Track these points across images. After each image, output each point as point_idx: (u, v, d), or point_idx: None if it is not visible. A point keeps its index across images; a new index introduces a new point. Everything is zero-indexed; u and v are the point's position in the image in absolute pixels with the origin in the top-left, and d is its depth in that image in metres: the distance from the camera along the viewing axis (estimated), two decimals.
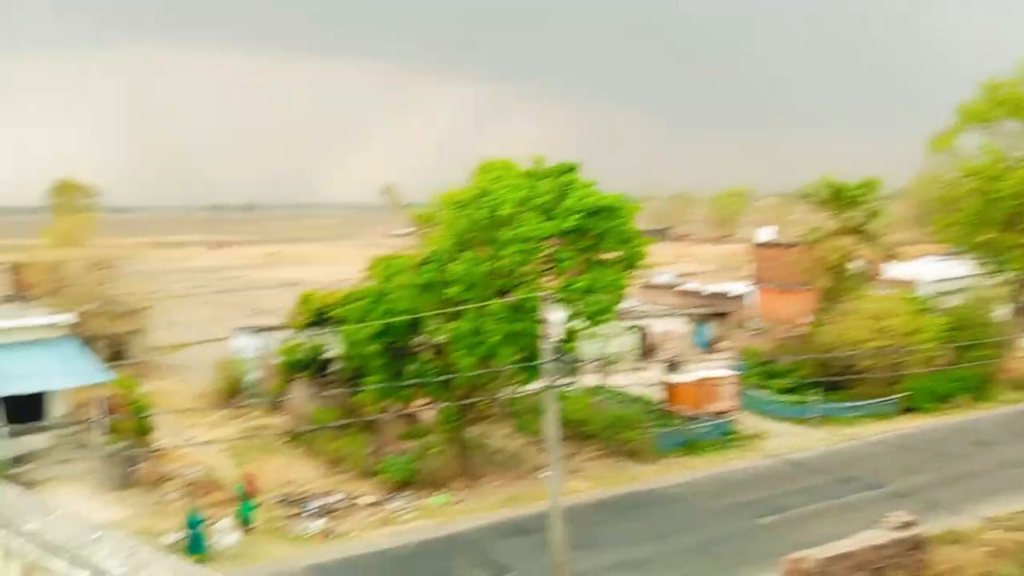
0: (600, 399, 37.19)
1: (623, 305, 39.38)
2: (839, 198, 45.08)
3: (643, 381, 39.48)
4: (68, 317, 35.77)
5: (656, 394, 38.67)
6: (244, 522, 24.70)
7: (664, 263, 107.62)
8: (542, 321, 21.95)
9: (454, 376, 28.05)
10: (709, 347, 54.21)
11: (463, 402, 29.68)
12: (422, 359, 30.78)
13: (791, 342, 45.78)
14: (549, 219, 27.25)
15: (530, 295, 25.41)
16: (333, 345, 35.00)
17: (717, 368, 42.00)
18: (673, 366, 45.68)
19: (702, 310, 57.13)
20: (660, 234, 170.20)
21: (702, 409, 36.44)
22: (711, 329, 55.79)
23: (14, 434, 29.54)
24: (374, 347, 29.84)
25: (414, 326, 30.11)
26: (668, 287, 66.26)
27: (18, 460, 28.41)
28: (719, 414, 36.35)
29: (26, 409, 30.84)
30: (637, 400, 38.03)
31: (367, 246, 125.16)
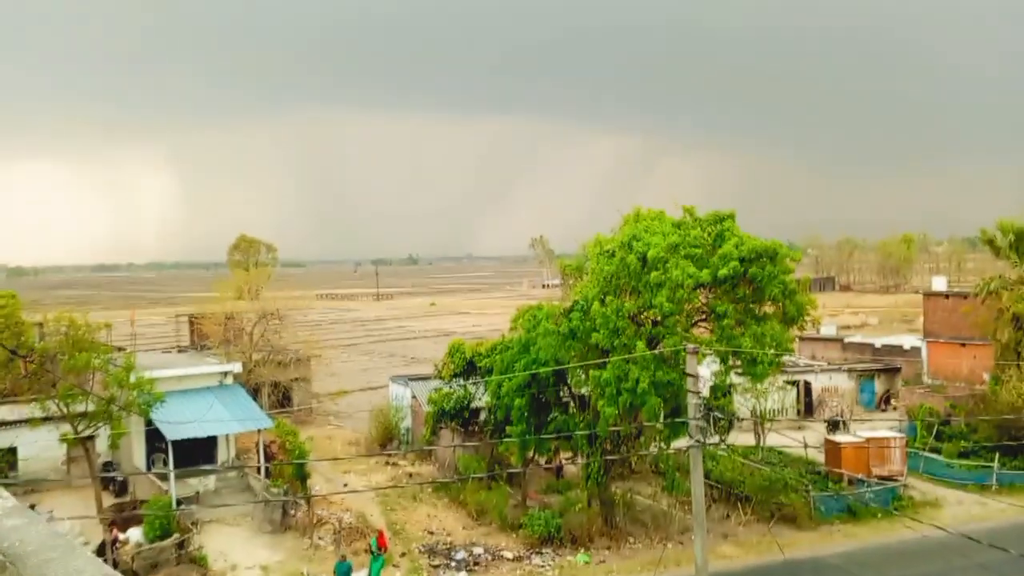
0: (755, 459, 35.34)
1: (790, 354, 37.56)
2: (1022, 243, 41.26)
3: (803, 440, 37.27)
4: (237, 366, 38.21)
5: (817, 455, 36.37)
6: None
7: (828, 314, 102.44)
8: (691, 374, 21.10)
9: (598, 430, 27.50)
10: (876, 405, 50.65)
11: (608, 457, 29.03)
12: (566, 412, 30.47)
13: (967, 401, 41.99)
14: (704, 268, 26.34)
15: (678, 346, 24.56)
16: (481, 395, 35.32)
17: (885, 428, 39.06)
18: (836, 425, 42.90)
19: (869, 365, 53.63)
20: (823, 284, 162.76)
21: (868, 472, 33.88)
22: (878, 385, 52.17)
23: (183, 477, 31.55)
24: (519, 398, 29.85)
25: (559, 377, 29.90)
26: (832, 340, 62.88)
27: (186, 501, 30.22)
28: (886, 478, 33.67)
29: (197, 452, 32.96)
30: (796, 461, 35.90)
31: (518, 296, 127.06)
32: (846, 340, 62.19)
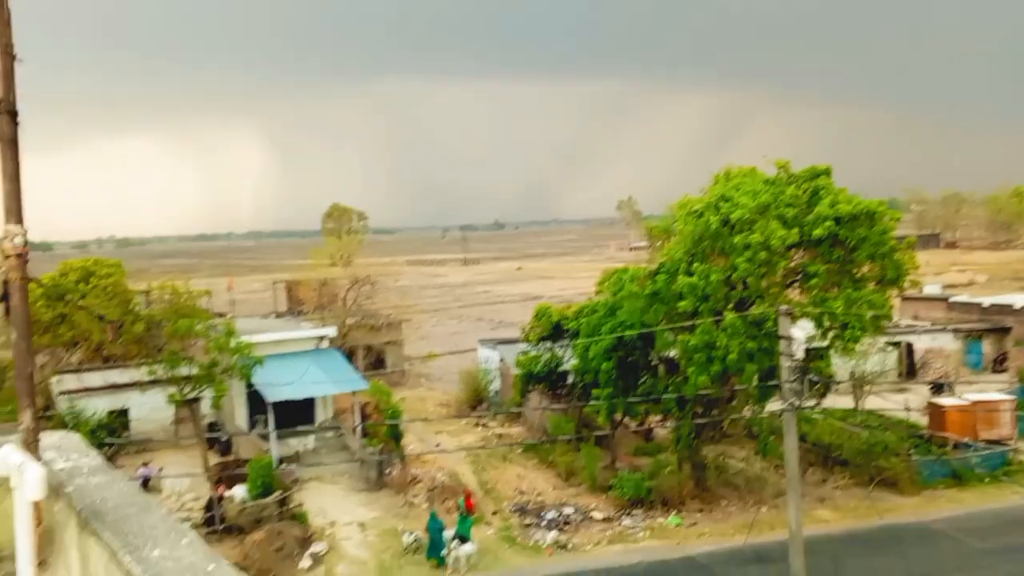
0: (854, 422, 34.27)
1: (889, 321, 35.99)
2: None
3: (905, 403, 35.90)
4: (332, 330, 39.27)
5: (920, 418, 35.00)
6: (462, 539, 25.09)
7: (932, 272, 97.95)
8: (783, 337, 20.45)
9: (686, 392, 27.11)
10: (983, 367, 48.25)
11: (699, 421, 28.63)
12: (655, 374, 30.13)
13: None
14: (794, 227, 25.35)
15: (769, 309, 23.87)
16: (569, 358, 35.29)
17: (993, 390, 37.20)
18: (940, 387, 41.15)
19: (976, 325, 51.02)
20: (927, 241, 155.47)
21: (974, 436, 32.41)
22: (986, 346, 49.63)
23: (284, 437, 32.73)
24: (606, 361, 29.67)
25: (646, 340, 29.54)
26: (936, 299, 60.10)
27: (286, 461, 31.37)
28: (994, 442, 32.13)
29: (296, 413, 34.11)
30: (897, 424, 34.65)
31: (605, 259, 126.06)
32: (951, 299, 59.19)
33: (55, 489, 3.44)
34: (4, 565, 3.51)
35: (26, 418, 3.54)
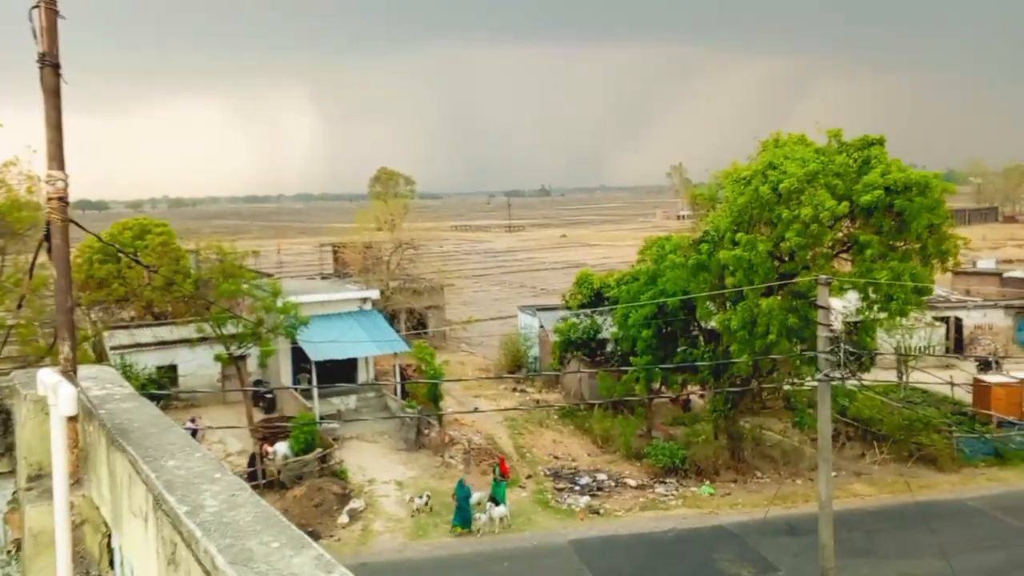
0: (897, 398, 33.86)
1: (930, 296, 35.21)
2: None
3: (950, 379, 35.33)
4: (375, 292, 39.91)
5: (965, 395, 34.45)
6: (496, 503, 25.46)
7: (988, 247, 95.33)
8: (821, 307, 20.26)
9: (726, 364, 27.05)
10: None
11: (736, 390, 28.57)
12: (695, 345, 30.07)
13: None
14: (844, 199, 24.83)
15: (810, 278, 23.57)
16: (608, 325, 35.39)
17: None
18: (987, 364, 40.34)
19: None
20: (985, 214, 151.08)
21: (1020, 415, 31.83)
22: None
23: (327, 395, 33.51)
24: (645, 329, 29.71)
25: (687, 310, 29.46)
26: (990, 274, 58.69)
27: (328, 419, 32.16)
28: None
29: (338, 373, 34.88)
30: (941, 401, 34.17)
31: (651, 227, 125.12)
32: (1005, 275, 57.77)
33: (88, 412, 3.77)
34: (45, 482, 3.84)
35: (65, 348, 3.85)
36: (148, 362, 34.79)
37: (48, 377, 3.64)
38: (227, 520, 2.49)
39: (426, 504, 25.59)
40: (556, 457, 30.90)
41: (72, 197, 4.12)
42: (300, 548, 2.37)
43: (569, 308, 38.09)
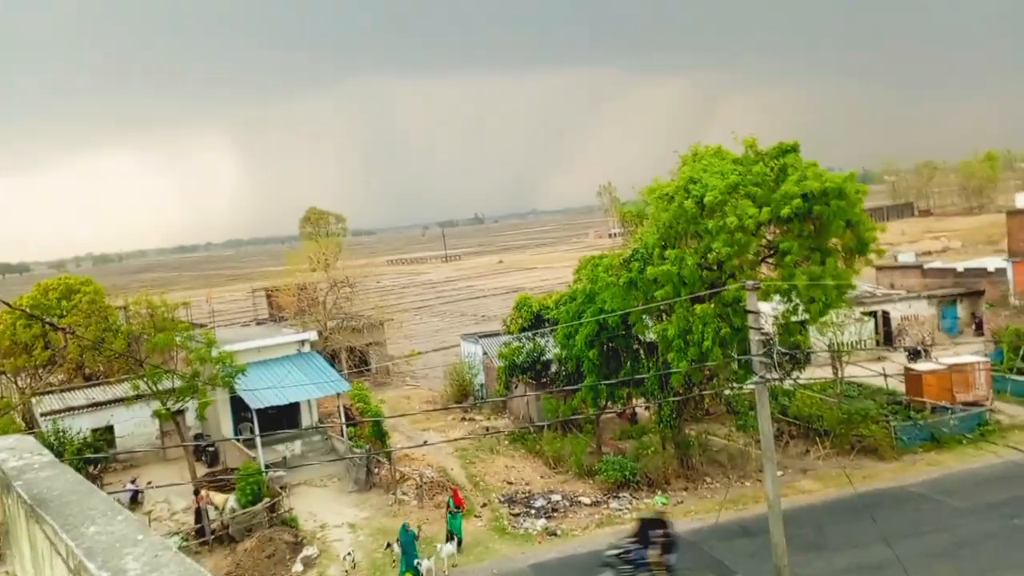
0: (834, 393, 34.80)
1: (856, 291, 36.36)
2: None
3: (882, 371, 36.47)
4: (312, 334, 39.38)
5: (898, 385, 35.60)
6: (452, 536, 24.93)
7: (906, 241, 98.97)
8: (751, 312, 20.79)
9: (668, 374, 27.45)
10: (959, 331, 49.05)
11: (678, 398, 28.99)
12: (637, 358, 30.46)
13: None
14: (764, 206, 25.56)
15: (737, 286, 24.16)
16: (551, 347, 35.60)
17: (968, 354, 37.88)
18: (917, 353, 41.82)
19: (949, 291, 51.83)
20: (902, 210, 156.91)
21: (951, 400, 33.03)
22: (960, 311, 50.46)
23: (271, 442, 32.87)
24: (588, 348, 29.99)
25: (627, 325, 29.85)
26: (911, 267, 60.93)
27: (274, 465, 31.51)
28: (971, 405, 32.76)
29: (281, 419, 34.27)
30: (876, 392, 35.22)
31: (585, 247, 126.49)
32: (926, 266, 60.09)
33: (6, 485, 3.68)
34: None
35: None
36: (83, 425, 33.60)
37: None
38: None
39: (353, 563, 24.51)
40: (509, 482, 30.83)
41: None
42: None
43: (511, 333, 38.23)
